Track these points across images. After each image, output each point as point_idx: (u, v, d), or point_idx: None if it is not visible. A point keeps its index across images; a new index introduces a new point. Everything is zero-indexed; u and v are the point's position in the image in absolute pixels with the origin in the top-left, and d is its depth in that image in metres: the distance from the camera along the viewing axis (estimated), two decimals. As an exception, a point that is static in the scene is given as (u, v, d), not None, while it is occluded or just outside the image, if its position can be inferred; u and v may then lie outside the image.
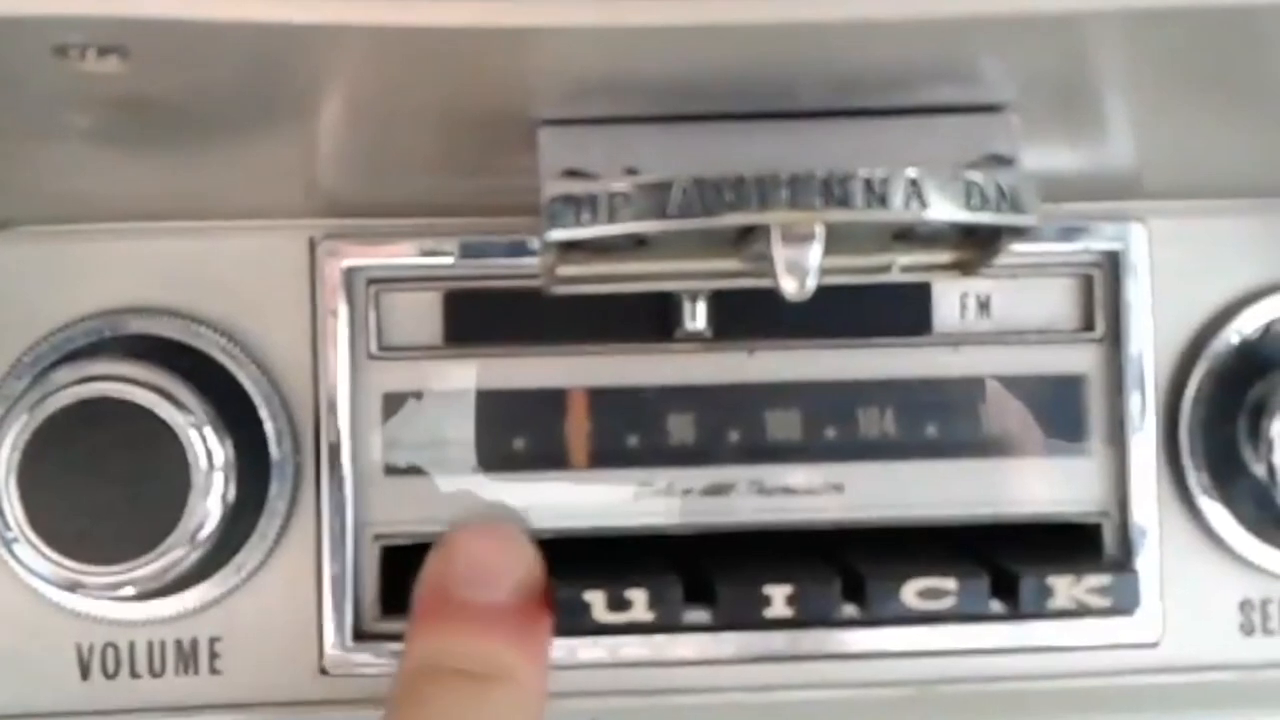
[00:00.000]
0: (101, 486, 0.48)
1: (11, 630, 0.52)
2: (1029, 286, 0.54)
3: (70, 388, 0.48)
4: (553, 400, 0.53)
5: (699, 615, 0.51)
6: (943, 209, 0.40)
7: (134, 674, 0.53)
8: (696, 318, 0.52)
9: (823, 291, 0.41)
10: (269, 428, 0.52)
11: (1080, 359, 0.54)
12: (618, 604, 0.50)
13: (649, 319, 0.53)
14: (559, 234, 0.41)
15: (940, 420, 0.54)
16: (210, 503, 0.49)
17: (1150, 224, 0.54)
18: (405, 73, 0.39)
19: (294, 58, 0.37)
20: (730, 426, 0.53)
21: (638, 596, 0.50)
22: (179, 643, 0.53)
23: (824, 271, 0.41)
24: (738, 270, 0.45)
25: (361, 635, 0.53)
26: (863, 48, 0.39)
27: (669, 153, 0.42)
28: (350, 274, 0.52)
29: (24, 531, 0.48)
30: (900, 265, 0.47)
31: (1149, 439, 0.54)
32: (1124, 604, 0.52)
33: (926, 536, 0.54)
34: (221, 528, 0.49)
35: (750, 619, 0.51)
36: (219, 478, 0.49)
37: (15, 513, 0.48)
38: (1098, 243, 0.54)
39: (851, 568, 0.52)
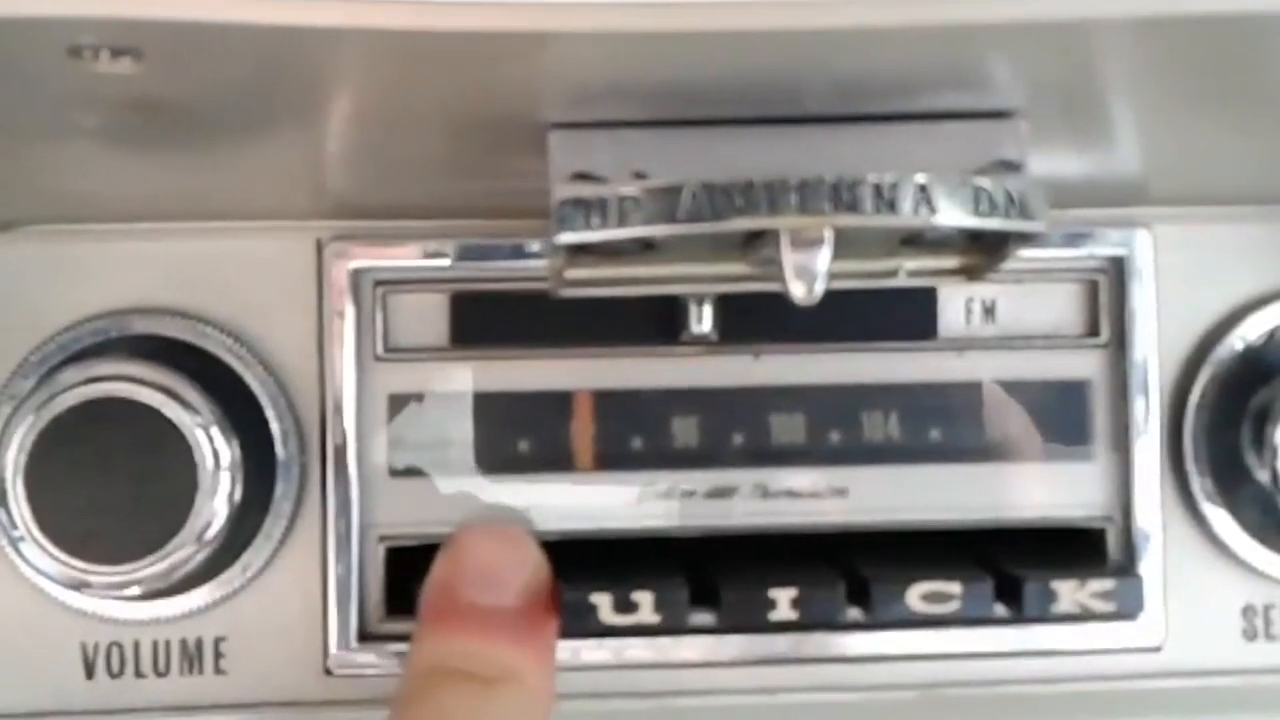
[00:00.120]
0: (107, 486, 0.48)
1: (17, 629, 0.52)
2: (1034, 292, 0.54)
3: (77, 388, 0.48)
4: (558, 402, 0.53)
5: (704, 618, 0.51)
6: (951, 214, 0.40)
7: (139, 673, 0.53)
8: (702, 321, 0.53)
9: (829, 296, 0.41)
10: (275, 428, 0.52)
11: (1085, 364, 0.54)
12: (623, 606, 0.50)
13: (655, 322, 0.53)
14: (568, 237, 0.41)
15: (945, 425, 0.54)
16: (216, 503, 0.49)
17: (1156, 230, 0.54)
18: (416, 76, 0.39)
19: (305, 60, 0.38)
20: (735, 430, 0.54)
21: (643, 599, 0.50)
22: (184, 642, 0.53)
23: (832, 276, 0.41)
24: (745, 274, 0.45)
25: (366, 636, 0.53)
26: (871, 54, 0.39)
27: (678, 157, 0.42)
28: (357, 275, 0.52)
29: (30, 531, 0.48)
30: (907, 270, 0.47)
31: (1153, 444, 0.54)
32: (1127, 609, 0.52)
33: (930, 541, 0.54)
34: (227, 528, 0.49)
35: (755, 622, 0.51)
36: (225, 478, 0.49)
37: (22, 512, 0.48)
38: (1103, 248, 0.54)
39: (856, 571, 0.52)
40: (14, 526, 0.48)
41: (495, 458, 0.53)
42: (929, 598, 0.51)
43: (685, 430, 0.53)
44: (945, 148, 0.43)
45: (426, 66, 0.38)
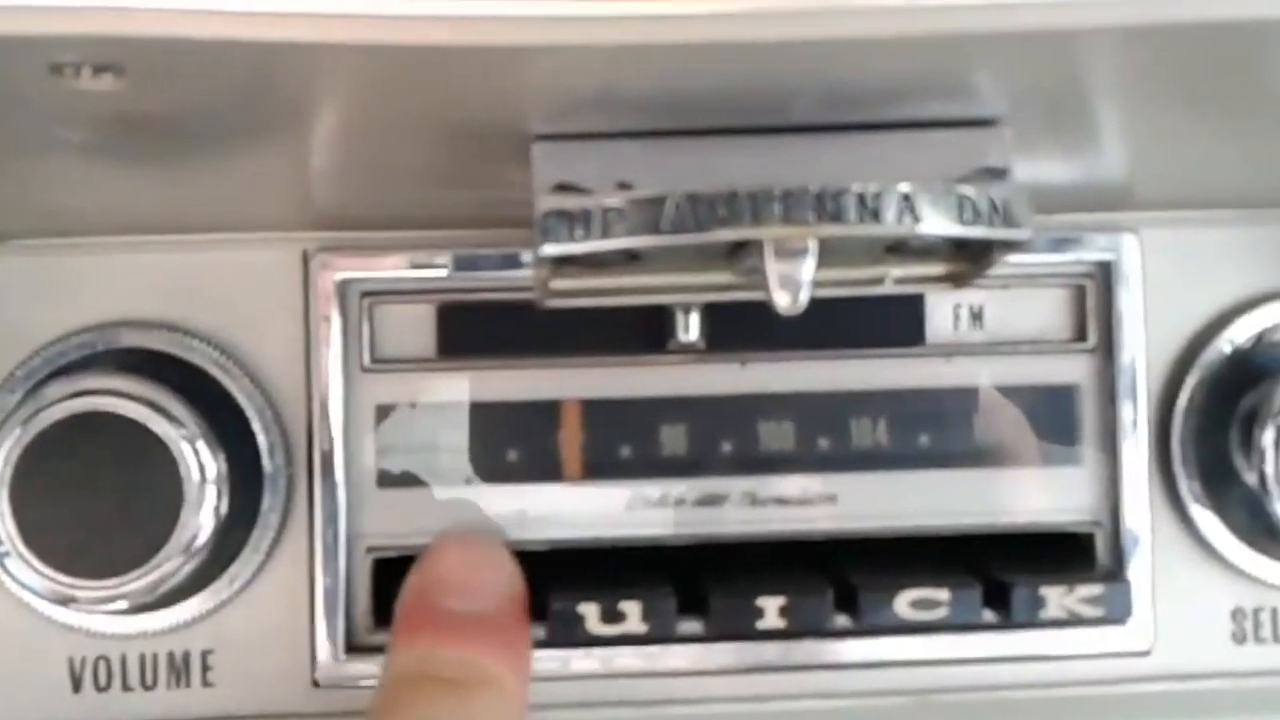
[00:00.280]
0: (94, 500, 0.48)
1: (3, 643, 0.52)
2: (1022, 297, 0.54)
3: (62, 402, 0.48)
4: (546, 412, 0.53)
5: (692, 626, 0.52)
6: (935, 223, 0.40)
7: (126, 687, 0.53)
8: (689, 330, 0.52)
9: (816, 303, 0.41)
10: (261, 440, 0.52)
11: (1073, 369, 0.54)
12: (611, 616, 0.50)
13: (642, 331, 0.53)
14: (552, 249, 0.41)
15: (933, 430, 0.54)
16: (203, 516, 0.49)
17: (1142, 234, 0.54)
18: (399, 90, 0.39)
19: (288, 76, 0.37)
20: (723, 437, 0.53)
21: (631, 608, 0.50)
22: (171, 655, 0.53)
23: (817, 284, 0.41)
24: (730, 284, 0.45)
25: (354, 647, 0.52)
26: (855, 65, 0.39)
27: (662, 167, 0.42)
28: (343, 286, 0.52)
29: (16, 545, 0.48)
30: (893, 278, 0.47)
31: (1141, 448, 0.54)
32: (1116, 613, 0.52)
33: (919, 546, 0.54)
34: (214, 540, 0.49)
35: (743, 630, 0.51)
36: (211, 491, 0.49)
37: (7, 526, 0.48)
38: (1090, 253, 0.54)
39: (844, 578, 0.52)
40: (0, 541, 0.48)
41: (484, 468, 0.53)
42: (917, 604, 0.51)
43: (674, 438, 0.53)
44: (929, 156, 0.43)
45: (408, 81, 0.38)
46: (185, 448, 0.48)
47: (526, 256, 0.52)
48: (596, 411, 0.53)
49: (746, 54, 0.37)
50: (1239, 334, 0.54)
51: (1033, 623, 0.52)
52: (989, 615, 0.52)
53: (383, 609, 0.52)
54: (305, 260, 0.52)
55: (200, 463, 0.49)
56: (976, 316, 0.54)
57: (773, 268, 0.40)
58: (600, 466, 0.53)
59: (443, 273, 0.52)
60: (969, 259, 0.46)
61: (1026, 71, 0.40)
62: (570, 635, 0.50)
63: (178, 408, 0.49)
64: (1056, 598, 0.51)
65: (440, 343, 0.53)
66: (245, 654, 0.53)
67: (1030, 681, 0.54)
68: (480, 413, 0.53)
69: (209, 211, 0.51)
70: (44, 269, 0.52)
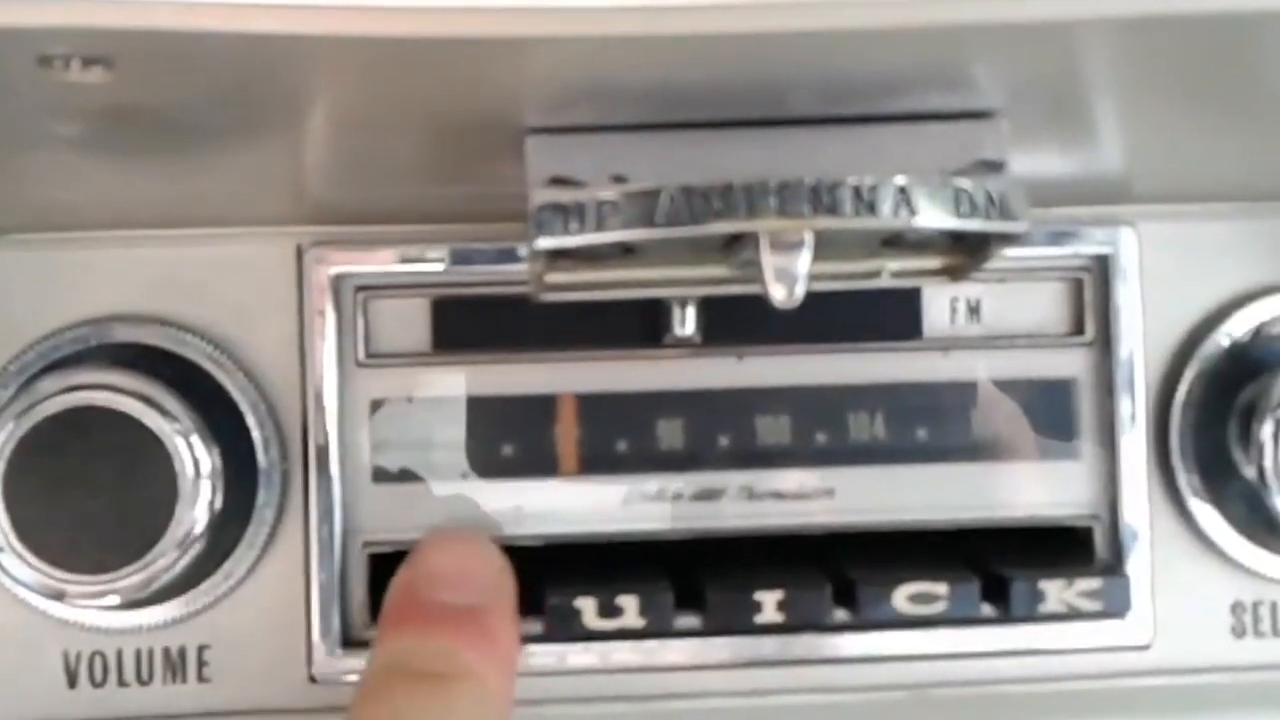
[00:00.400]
0: (88, 495, 0.48)
1: (1, 639, 0.52)
2: (1019, 290, 0.54)
3: (56, 396, 0.48)
4: (542, 406, 0.53)
5: (690, 621, 0.51)
6: (932, 216, 0.40)
7: (121, 683, 0.52)
8: (685, 323, 0.52)
9: (812, 297, 0.41)
10: (256, 435, 0.52)
11: (1070, 362, 0.54)
12: (608, 610, 0.50)
13: (638, 325, 0.53)
14: (547, 242, 0.41)
15: (931, 424, 0.54)
16: (197, 511, 0.49)
17: (1140, 228, 0.54)
18: (391, 83, 0.39)
19: (280, 68, 0.37)
20: (720, 432, 0.53)
21: (628, 603, 0.50)
22: (167, 651, 0.53)
23: (813, 277, 0.40)
24: (726, 277, 0.45)
25: (350, 643, 0.52)
26: (851, 56, 0.39)
27: (656, 160, 0.42)
28: (338, 281, 0.52)
29: (10, 541, 0.48)
30: (890, 271, 0.46)
31: (1139, 442, 0.54)
32: (1115, 607, 0.52)
33: (917, 540, 0.54)
34: (209, 536, 0.49)
35: (741, 624, 0.51)
36: (206, 486, 0.49)
37: (1, 522, 0.48)
38: (1087, 247, 0.54)
39: (842, 572, 0.52)
40: (-6, 537, 0.48)
41: (479, 462, 0.53)
42: (915, 598, 0.51)
43: (670, 433, 0.53)
44: (926, 149, 0.43)
45: (400, 74, 0.38)
46: (180, 443, 0.48)
47: (521, 250, 0.51)
48: (592, 406, 0.53)
49: (742, 46, 0.37)
50: (1237, 327, 0.54)
51: (1032, 617, 0.52)
52: (987, 609, 0.52)
53: (379, 605, 0.52)
54: (299, 255, 0.52)
55: (195, 458, 0.48)
56: (974, 310, 0.54)
57: (768, 260, 0.40)
58: (596, 461, 0.53)
59: (438, 267, 0.52)
60: (966, 252, 0.46)
61: (1024, 64, 0.40)
62: (567, 630, 0.50)
63: (172, 403, 0.48)
64: (1055, 592, 0.51)
65: (435, 337, 0.53)
66: (241, 649, 0.53)
67: (1029, 676, 0.54)
68: (476, 407, 0.53)
69: (203, 206, 0.51)
70: (37, 263, 0.52)
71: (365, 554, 0.53)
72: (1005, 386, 0.54)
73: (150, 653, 0.52)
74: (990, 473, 0.54)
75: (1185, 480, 0.54)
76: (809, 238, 0.40)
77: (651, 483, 0.53)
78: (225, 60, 0.36)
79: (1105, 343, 0.54)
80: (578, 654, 0.52)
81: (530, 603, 0.51)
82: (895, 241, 0.45)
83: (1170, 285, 0.54)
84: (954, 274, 0.47)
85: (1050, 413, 0.54)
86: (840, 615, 0.52)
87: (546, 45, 0.36)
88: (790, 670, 0.53)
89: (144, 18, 0.34)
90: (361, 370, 0.53)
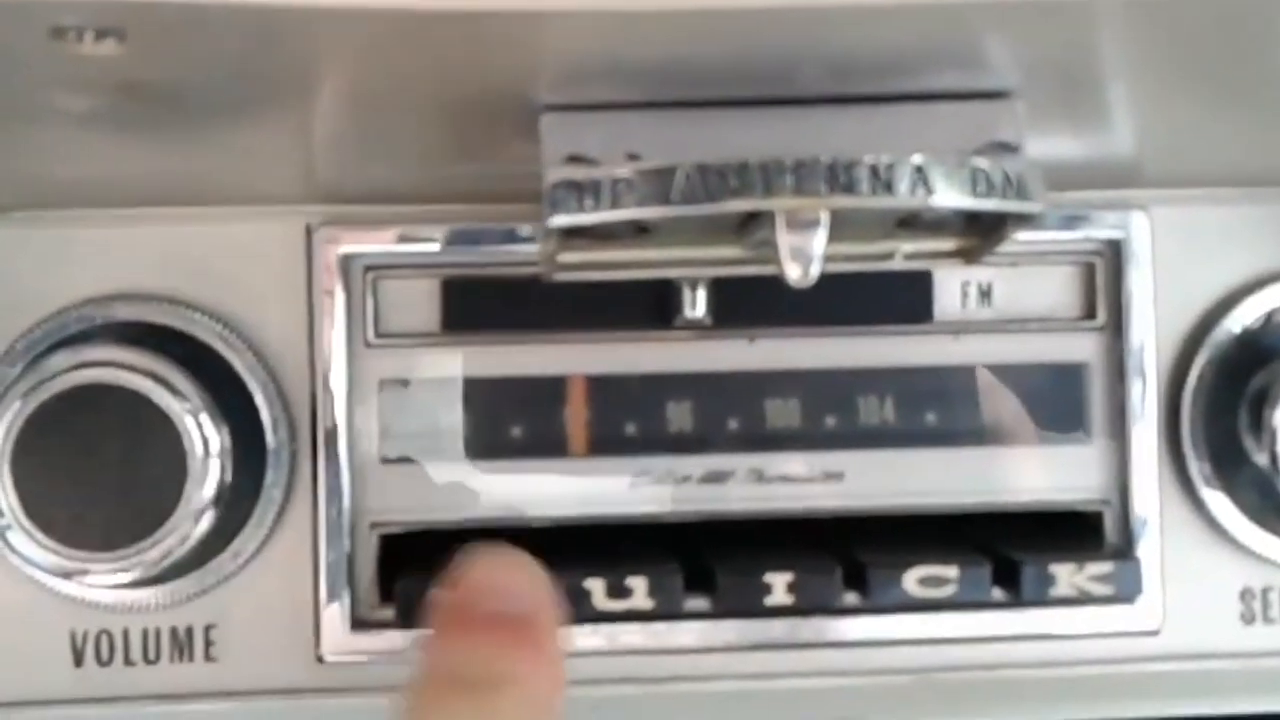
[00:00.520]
0: (96, 473, 0.48)
1: (5, 617, 0.52)
2: (1031, 275, 0.54)
3: (65, 374, 0.48)
4: (551, 388, 0.53)
5: (699, 603, 0.51)
6: (948, 196, 0.40)
7: (128, 661, 0.52)
8: (696, 305, 0.52)
9: (824, 279, 0.41)
10: (265, 415, 0.52)
11: (1082, 347, 0.54)
12: (617, 591, 0.50)
13: (648, 306, 0.53)
14: (561, 220, 0.41)
15: (941, 408, 0.54)
16: (206, 490, 0.49)
17: (1152, 212, 0.54)
18: (405, 56, 0.38)
19: (292, 41, 0.37)
20: (729, 414, 0.53)
21: (637, 584, 0.50)
22: (174, 630, 0.52)
23: (827, 258, 0.40)
24: (740, 257, 0.45)
25: (358, 623, 0.52)
26: (868, 33, 0.38)
27: (672, 138, 0.42)
28: (347, 260, 0.52)
29: (18, 518, 0.48)
30: (904, 252, 0.46)
31: (1150, 427, 0.54)
32: (1125, 592, 0.52)
33: (926, 525, 0.54)
34: (217, 515, 0.49)
35: (750, 607, 0.51)
36: (215, 465, 0.49)
37: (9, 499, 0.48)
38: (1100, 231, 0.53)
39: (852, 556, 0.52)
40: (1, 514, 0.48)
41: (487, 444, 0.53)
42: (926, 582, 0.51)
43: (679, 415, 0.53)
44: (942, 128, 0.42)
45: (415, 47, 0.37)
46: (189, 421, 0.48)
47: (532, 231, 0.51)
48: (602, 387, 0.53)
49: (757, 21, 0.37)
50: (1249, 313, 0.54)
51: (1042, 601, 0.52)
52: (998, 593, 0.52)
53: (388, 585, 0.52)
54: (308, 233, 0.52)
55: (204, 436, 0.48)
56: (985, 294, 0.54)
57: (784, 239, 0.40)
58: (606, 443, 0.53)
59: (448, 247, 0.52)
60: (980, 234, 0.45)
61: (1039, 42, 0.40)
62: (576, 611, 0.49)
63: (181, 381, 0.48)
64: (1066, 576, 0.51)
65: (445, 317, 0.53)
66: (249, 629, 0.52)
67: (1039, 660, 0.54)
68: (485, 388, 0.53)
69: (212, 184, 0.50)
70: (45, 241, 0.52)
71: (374, 535, 0.52)
72: (1016, 371, 0.54)
73: (157, 632, 0.52)
74: (1000, 457, 0.54)
75: (1196, 466, 0.54)
76: (825, 217, 0.40)
77: (660, 465, 0.53)
78: (237, 33, 0.36)
79: (1117, 328, 0.54)
80: (586, 635, 0.52)
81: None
82: (910, 222, 0.45)
83: (1182, 270, 0.54)
84: (968, 256, 0.46)
85: (1061, 398, 0.54)
86: (850, 598, 0.52)
87: (560, 19, 0.36)
88: (799, 653, 0.53)
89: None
90: (370, 350, 0.52)
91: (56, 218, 0.52)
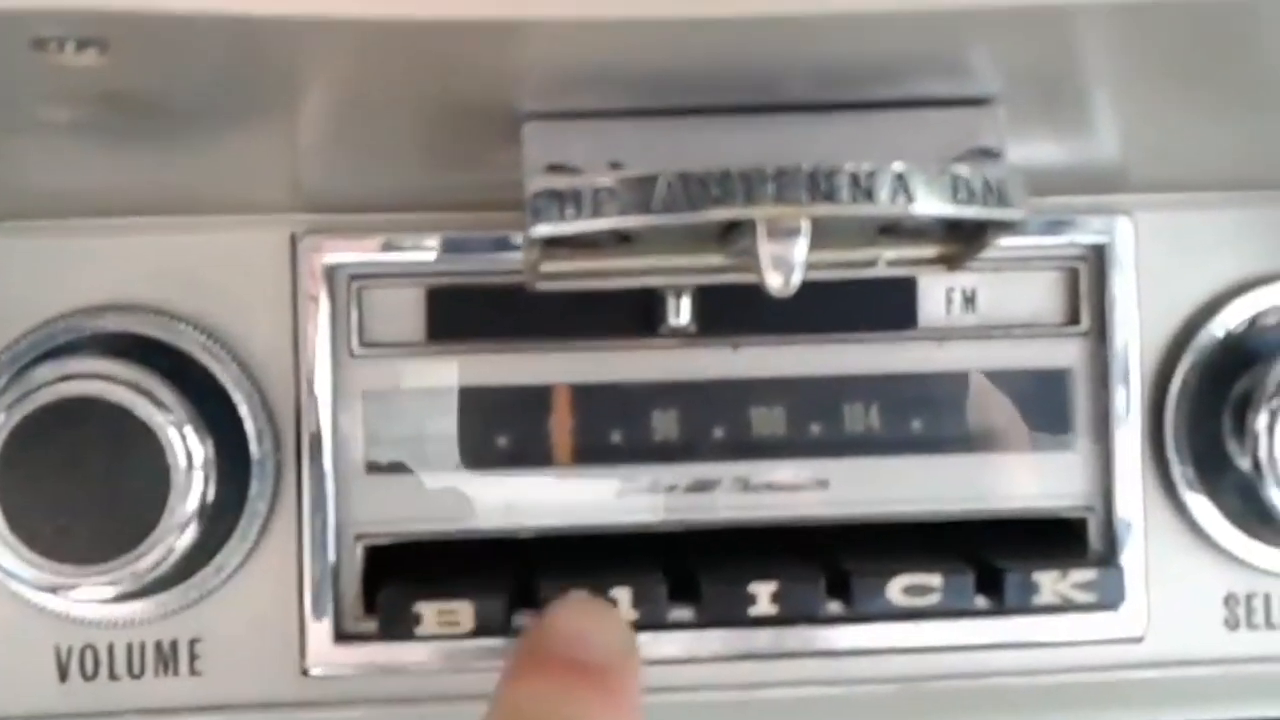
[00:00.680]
0: (80, 486, 0.48)
1: (-9, 632, 0.52)
2: (1014, 280, 0.54)
3: (49, 386, 0.48)
4: (536, 397, 0.53)
5: (683, 613, 0.51)
6: (929, 203, 0.40)
7: (113, 676, 0.52)
8: (680, 313, 0.52)
9: (808, 286, 0.41)
10: (249, 426, 0.51)
11: (1065, 353, 0.54)
12: (602, 602, 0.50)
13: (633, 315, 0.53)
14: (543, 229, 0.41)
15: (925, 415, 0.54)
16: (190, 502, 0.48)
17: (1136, 217, 0.54)
18: (386, 67, 0.38)
19: (275, 51, 0.37)
20: (714, 422, 0.53)
21: (622, 595, 0.50)
22: (159, 644, 0.52)
23: (810, 266, 0.40)
24: (723, 265, 0.45)
25: (343, 636, 0.52)
26: (849, 41, 0.38)
27: (653, 147, 0.42)
28: (332, 270, 0.52)
29: (1, 533, 0.47)
30: (886, 259, 0.46)
31: (1134, 433, 0.54)
32: (1109, 599, 0.52)
33: (911, 532, 0.54)
34: (201, 528, 0.49)
35: (735, 616, 0.51)
36: (199, 477, 0.49)
37: (-9, 513, 0.48)
38: (1083, 236, 0.54)
39: (836, 564, 0.52)
40: (-17, 528, 0.48)
41: (473, 453, 0.53)
42: (910, 590, 0.51)
43: (665, 423, 0.53)
44: (923, 136, 0.43)
45: (395, 57, 0.37)
46: (172, 433, 0.48)
47: (516, 239, 0.51)
48: (587, 396, 0.53)
49: (738, 31, 0.37)
50: (1232, 318, 0.54)
51: (1025, 608, 0.52)
52: (981, 601, 0.52)
53: (372, 597, 0.52)
54: (293, 243, 0.52)
55: (187, 448, 0.48)
56: (969, 300, 0.54)
57: (765, 248, 0.40)
58: (591, 452, 0.53)
59: (432, 256, 0.52)
60: (962, 240, 0.46)
61: (1021, 50, 0.40)
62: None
63: (165, 393, 0.48)
64: (1049, 583, 0.51)
65: (429, 327, 0.53)
66: (234, 643, 0.52)
67: (1023, 668, 0.54)
68: (470, 398, 0.53)
69: (196, 193, 0.50)
70: (29, 252, 0.52)
71: (359, 546, 0.52)
72: (1000, 377, 0.54)
73: (142, 646, 0.52)
74: (984, 464, 0.54)
75: (1179, 471, 0.54)
76: (806, 225, 0.40)
77: (645, 474, 0.53)
78: (220, 43, 0.36)
79: (1100, 333, 0.54)
80: (571, 646, 0.52)
81: (523, 595, 0.50)
82: (892, 229, 0.45)
83: (1166, 275, 0.54)
84: (950, 262, 0.47)
85: (1045, 403, 0.54)
86: (834, 607, 0.52)
87: (541, 29, 0.36)
88: (784, 663, 0.53)
89: (134, 1, 0.34)
90: (355, 360, 0.52)
91: (40, 228, 0.52)
